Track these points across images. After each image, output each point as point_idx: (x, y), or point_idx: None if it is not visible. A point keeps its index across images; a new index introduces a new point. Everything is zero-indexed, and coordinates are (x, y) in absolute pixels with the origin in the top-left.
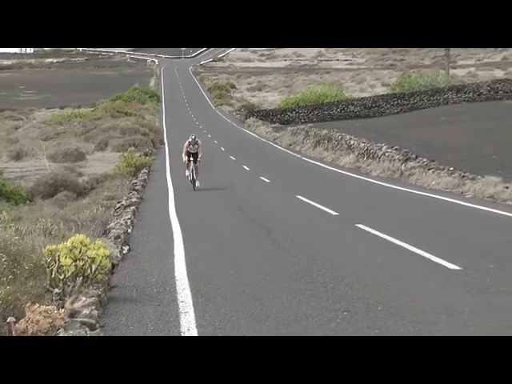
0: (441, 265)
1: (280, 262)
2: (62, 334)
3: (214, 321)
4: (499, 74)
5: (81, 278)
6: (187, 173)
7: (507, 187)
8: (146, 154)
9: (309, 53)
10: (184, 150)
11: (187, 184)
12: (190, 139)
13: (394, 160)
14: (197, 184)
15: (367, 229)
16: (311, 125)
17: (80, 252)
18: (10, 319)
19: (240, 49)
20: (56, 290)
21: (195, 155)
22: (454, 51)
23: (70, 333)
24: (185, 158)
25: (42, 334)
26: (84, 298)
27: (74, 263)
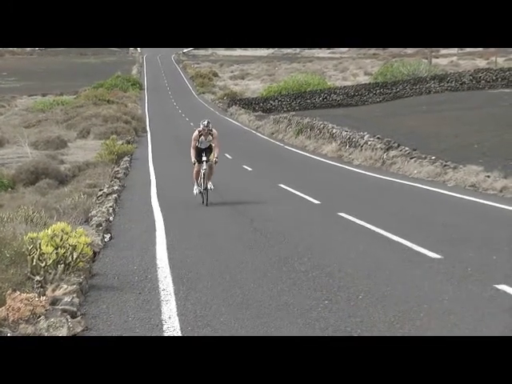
0: (422, 253)
1: (262, 250)
2: (42, 321)
3: (196, 309)
4: (481, 63)
5: (62, 265)
6: (195, 189)
7: (489, 176)
8: (128, 142)
9: None
10: (192, 143)
11: (169, 172)
12: (200, 126)
13: (376, 149)
14: (209, 186)
15: (349, 217)
16: (293, 113)
17: (61, 240)
18: None
19: None
20: (37, 278)
21: (208, 152)
22: None
23: (52, 321)
24: (194, 158)
25: (23, 322)
26: (65, 286)
27: (55, 251)
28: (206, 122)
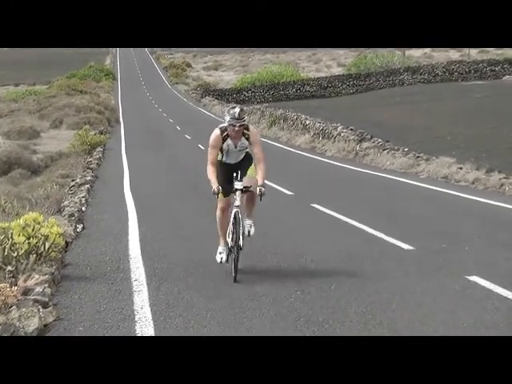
0: (394, 245)
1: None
2: (14, 311)
3: (168, 299)
4: (454, 55)
5: (34, 255)
6: (220, 253)
7: (461, 168)
8: (101, 133)
9: None
10: (210, 155)
11: (142, 162)
12: (226, 119)
13: (349, 140)
14: (247, 229)
15: (322, 209)
16: (267, 104)
17: (33, 230)
18: None
19: None
20: (9, 268)
21: (243, 169)
22: None
23: (23, 310)
24: (216, 184)
25: None
26: (37, 276)
27: (27, 241)
28: (236, 111)
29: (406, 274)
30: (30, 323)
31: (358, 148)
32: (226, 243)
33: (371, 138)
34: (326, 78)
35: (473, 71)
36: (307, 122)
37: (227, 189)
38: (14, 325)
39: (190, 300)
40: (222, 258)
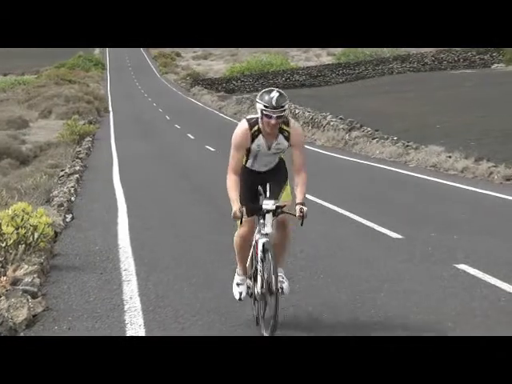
0: (383, 233)
1: (224, 230)
2: (3, 301)
3: (157, 289)
4: None
5: (23, 245)
6: (237, 285)
7: (450, 157)
8: (90, 122)
9: None
10: (232, 159)
11: (131, 151)
12: (258, 107)
13: (338, 129)
14: (280, 283)
15: (311, 198)
16: (256, 94)
17: (22, 220)
18: None
19: None
20: None
21: (272, 179)
22: None
23: (12, 301)
24: (238, 203)
25: None
26: (26, 266)
27: (16, 231)
28: (274, 96)
29: (394, 262)
30: (18, 314)
31: (347, 137)
32: (246, 273)
33: (361, 126)
34: (316, 66)
35: (462, 60)
36: (297, 111)
37: (252, 207)
38: (2, 315)
39: (180, 290)
40: (241, 293)
